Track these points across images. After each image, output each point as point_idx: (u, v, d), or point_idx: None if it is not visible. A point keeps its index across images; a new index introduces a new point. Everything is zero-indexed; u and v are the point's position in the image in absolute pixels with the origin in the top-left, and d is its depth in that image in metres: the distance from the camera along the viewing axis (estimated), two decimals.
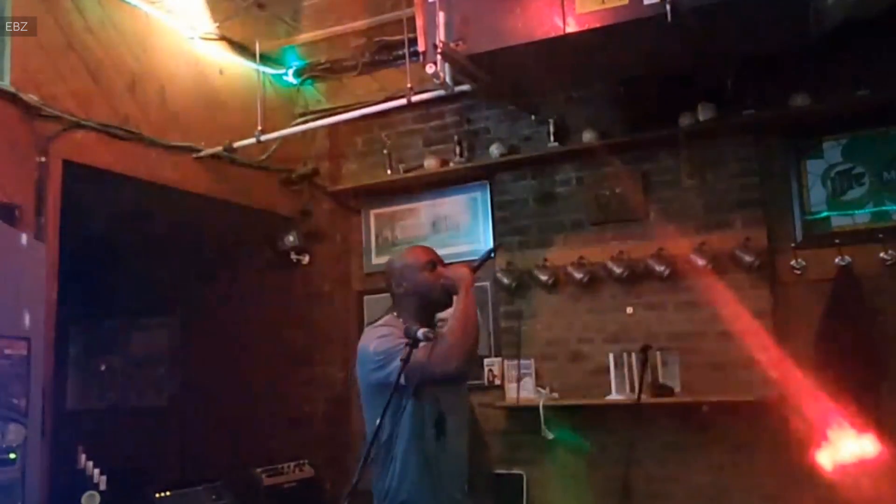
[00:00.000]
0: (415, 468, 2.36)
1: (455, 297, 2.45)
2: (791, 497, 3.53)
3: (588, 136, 4.15)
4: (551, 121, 4.24)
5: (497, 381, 4.34)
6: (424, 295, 2.49)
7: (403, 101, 3.65)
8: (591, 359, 4.06)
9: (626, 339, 3.97)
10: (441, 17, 3.15)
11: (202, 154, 4.06)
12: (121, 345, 5.58)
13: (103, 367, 5.63)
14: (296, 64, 4.68)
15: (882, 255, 3.55)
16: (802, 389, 3.47)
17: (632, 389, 3.76)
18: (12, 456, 2.51)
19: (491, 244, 4.46)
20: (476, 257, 2.61)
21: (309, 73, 4.71)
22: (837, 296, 3.59)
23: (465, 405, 2.67)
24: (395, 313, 2.54)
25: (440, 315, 2.59)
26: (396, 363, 2.25)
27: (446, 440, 2.40)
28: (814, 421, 3.42)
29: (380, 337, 2.41)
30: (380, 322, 2.57)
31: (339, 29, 4.28)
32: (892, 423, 3.36)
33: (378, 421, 2.27)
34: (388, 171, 4.73)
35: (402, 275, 2.54)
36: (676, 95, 3.93)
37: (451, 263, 2.62)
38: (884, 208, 3.68)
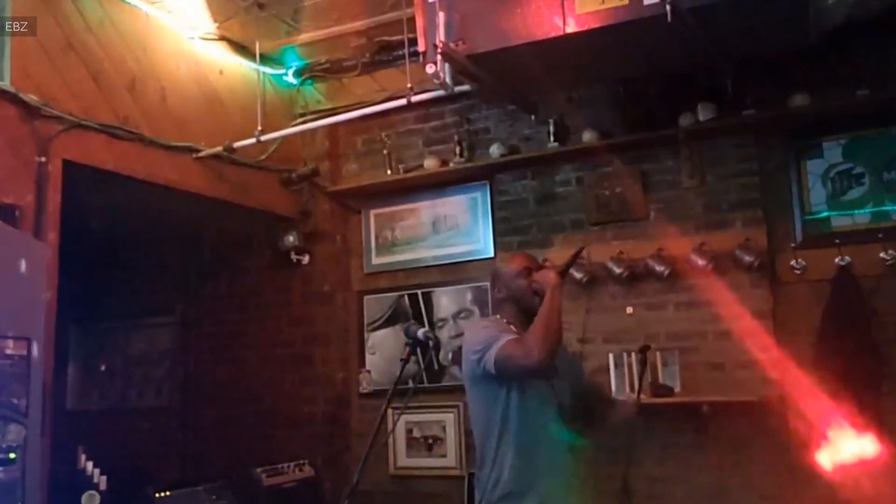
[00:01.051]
0: (522, 458, 2.49)
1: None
2: (791, 497, 3.53)
3: (588, 136, 4.15)
4: (551, 121, 4.24)
5: None
6: (519, 299, 2.66)
7: (403, 101, 3.65)
8: (591, 359, 4.06)
9: (626, 339, 3.97)
10: (441, 17, 3.15)
11: (202, 154, 4.06)
12: (121, 345, 5.58)
13: (103, 367, 5.63)
14: (296, 64, 4.67)
15: (882, 255, 3.55)
16: (802, 389, 3.47)
17: (632, 389, 3.76)
18: (12, 456, 2.51)
19: (491, 243, 4.47)
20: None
21: (309, 73, 4.71)
22: (837, 296, 3.60)
23: (554, 399, 2.72)
24: (498, 315, 2.74)
25: None
26: (489, 352, 2.44)
27: (550, 429, 2.56)
28: (814, 421, 3.43)
29: (481, 328, 2.64)
30: (484, 319, 2.77)
31: (339, 29, 4.28)
32: (892, 422, 3.37)
33: (485, 413, 2.51)
34: (388, 171, 4.73)
35: (501, 281, 2.73)
36: (676, 95, 3.93)
37: (543, 267, 2.79)
38: (884, 208, 3.68)
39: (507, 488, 2.48)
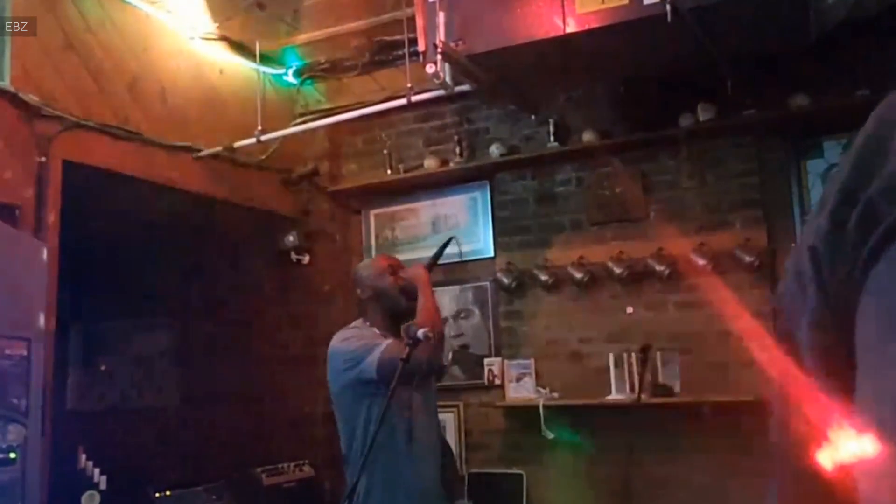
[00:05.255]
0: (381, 476, 2.47)
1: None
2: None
3: (588, 136, 4.15)
4: (551, 121, 4.24)
5: (497, 381, 4.34)
6: (386, 298, 2.63)
7: (403, 101, 3.65)
8: (591, 359, 4.06)
9: (626, 339, 3.97)
10: (441, 17, 3.15)
11: (202, 154, 4.06)
12: (121, 345, 5.58)
13: (103, 367, 5.63)
14: (296, 64, 4.67)
15: None
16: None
17: (632, 389, 3.76)
18: (12, 456, 2.51)
19: (490, 242, 4.47)
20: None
21: (309, 73, 4.71)
22: None
23: (434, 406, 2.76)
24: (363, 319, 2.68)
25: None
26: (367, 362, 2.41)
27: (416, 446, 2.51)
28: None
29: (345, 339, 2.57)
30: (348, 326, 2.69)
31: (339, 29, 4.28)
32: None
33: (352, 423, 2.50)
34: (388, 171, 4.73)
35: (365, 282, 2.68)
36: (676, 95, 3.93)
37: (412, 261, 2.81)
38: None
39: (378, 494, 2.46)
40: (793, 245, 3.78)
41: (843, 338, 0.50)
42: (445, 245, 2.73)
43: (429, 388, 2.66)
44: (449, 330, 4.59)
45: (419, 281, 2.55)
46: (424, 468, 2.56)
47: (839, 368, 0.50)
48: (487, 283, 4.44)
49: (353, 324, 2.72)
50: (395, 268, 2.67)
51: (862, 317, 0.48)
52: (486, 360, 4.39)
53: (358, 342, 2.51)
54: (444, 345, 2.55)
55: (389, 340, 2.48)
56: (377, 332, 2.58)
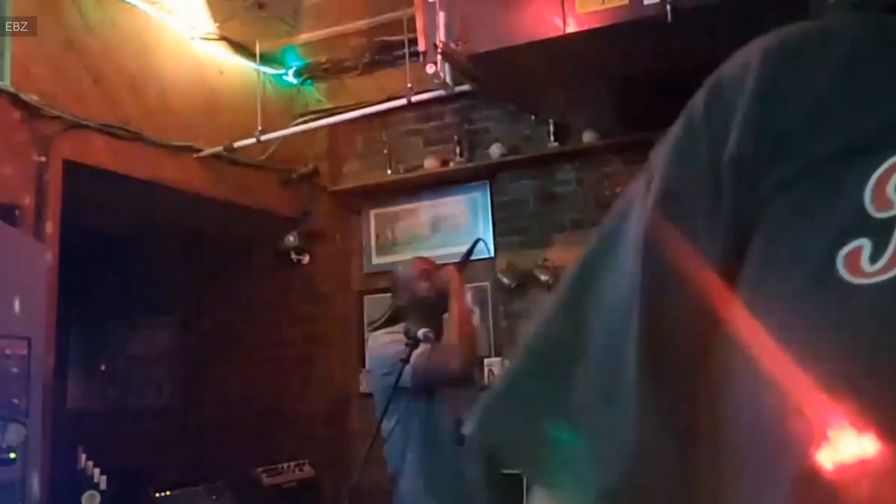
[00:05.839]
0: (428, 477, 2.49)
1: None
2: None
3: (588, 136, 4.15)
4: (551, 121, 4.24)
5: None
6: (421, 303, 2.66)
7: (403, 101, 3.65)
8: None
9: None
10: (441, 17, 3.15)
11: (202, 154, 4.06)
12: (121, 345, 5.58)
13: (103, 367, 5.63)
14: (296, 64, 4.67)
15: None
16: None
17: None
18: (12, 456, 2.51)
19: (490, 242, 4.47)
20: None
21: (309, 73, 4.71)
22: None
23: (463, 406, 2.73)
24: (402, 325, 2.70)
25: None
26: (404, 369, 2.41)
27: (460, 447, 2.53)
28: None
29: (385, 344, 2.61)
30: (388, 330, 2.70)
31: (339, 29, 4.28)
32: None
33: (391, 426, 2.46)
34: (388, 171, 4.73)
35: (401, 286, 2.73)
36: (676, 96, 3.91)
37: (444, 265, 2.72)
38: None
39: (424, 497, 2.50)
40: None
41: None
42: (474, 245, 2.80)
43: (473, 387, 2.68)
44: None
45: (452, 285, 2.59)
46: (468, 470, 2.59)
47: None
48: (487, 284, 4.44)
49: (392, 330, 2.73)
50: (430, 272, 2.69)
51: (752, 255, 0.46)
52: (486, 361, 4.39)
53: (396, 349, 2.53)
54: (475, 351, 2.55)
55: (425, 348, 2.50)
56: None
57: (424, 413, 2.48)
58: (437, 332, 2.61)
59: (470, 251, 2.74)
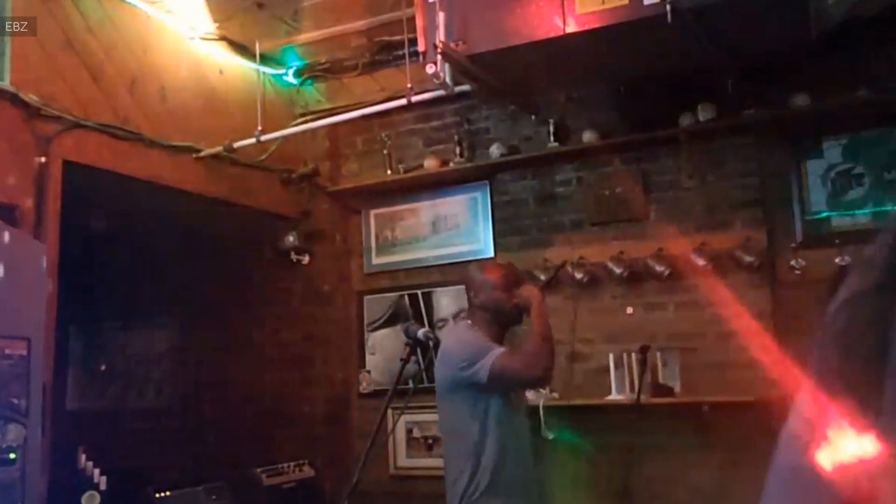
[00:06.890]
0: (511, 463, 2.58)
1: (528, 316, 2.69)
2: None
3: (588, 136, 4.15)
4: (551, 121, 4.24)
5: None
6: (497, 311, 2.71)
7: (403, 101, 3.65)
8: (591, 359, 4.06)
9: (626, 339, 3.97)
10: (441, 17, 3.16)
11: (202, 154, 4.06)
12: (121, 345, 5.58)
13: (103, 367, 5.63)
14: (296, 64, 4.67)
15: None
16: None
17: (632, 389, 3.76)
18: (12, 456, 2.51)
19: (490, 242, 4.47)
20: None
21: (309, 73, 4.71)
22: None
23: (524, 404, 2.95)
24: (469, 320, 2.78)
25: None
26: (481, 364, 2.50)
27: (526, 447, 2.70)
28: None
29: (462, 341, 2.69)
30: (456, 325, 2.86)
31: (339, 29, 4.28)
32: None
33: (466, 422, 2.57)
34: (388, 171, 4.73)
35: (481, 289, 2.75)
36: (676, 95, 3.93)
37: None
38: (884, 208, 3.67)
39: (488, 488, 2.55)
40: (792, 245, 3.78)
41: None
42: (559, 268, 3.07)
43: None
44: None
45: (533, 303, 2.63)
46: (532, 470, 2.72)
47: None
48: None
49: (464, 326, 2.83)
50: (510, 284, 2.72)
51: None
52: None
53: (476, 344, 2.58)
54: (553, 361, 2.64)
55: (502, 349, 2.57)
56: (485, 337, 2.66)
57: (500, 410, 2.57)
58: (499, 340, 2.67)
59: (556, 272, 2.87)
